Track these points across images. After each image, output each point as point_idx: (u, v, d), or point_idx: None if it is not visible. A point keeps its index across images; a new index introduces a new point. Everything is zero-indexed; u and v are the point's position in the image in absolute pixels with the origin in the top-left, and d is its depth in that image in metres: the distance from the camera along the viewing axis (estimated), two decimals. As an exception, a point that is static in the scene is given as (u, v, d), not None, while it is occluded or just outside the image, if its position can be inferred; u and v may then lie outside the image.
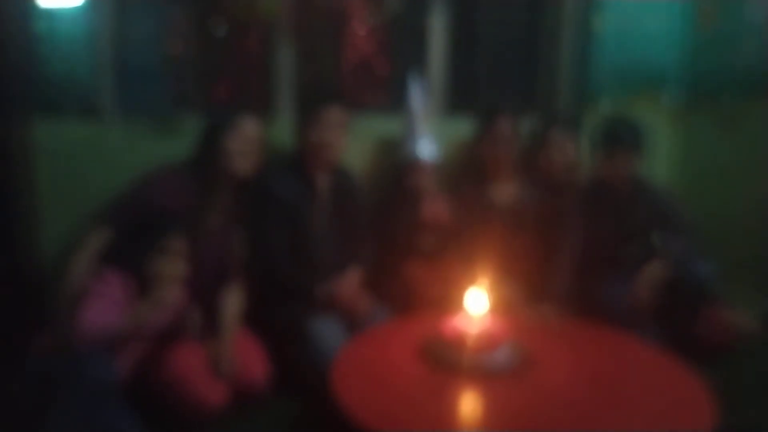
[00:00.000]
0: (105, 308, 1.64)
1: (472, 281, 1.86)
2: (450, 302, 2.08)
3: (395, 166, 2.43)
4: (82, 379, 1.50)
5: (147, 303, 1.71)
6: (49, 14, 2.36)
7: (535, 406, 1.47)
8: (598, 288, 2.25)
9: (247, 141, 1.99)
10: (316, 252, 2.18)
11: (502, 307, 2.04)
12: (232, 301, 2.03)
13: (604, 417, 1.43)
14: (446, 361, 1.62)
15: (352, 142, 2.28)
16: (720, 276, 2.11)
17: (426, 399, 1.50)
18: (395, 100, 2.60)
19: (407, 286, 2.23)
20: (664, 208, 2.26)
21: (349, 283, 2.13)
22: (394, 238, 2.35)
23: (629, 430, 1.38)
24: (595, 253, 2.29)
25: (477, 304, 1.75)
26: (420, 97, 2.44)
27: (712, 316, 2.18)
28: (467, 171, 2.56)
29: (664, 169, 2.97)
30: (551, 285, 2.23)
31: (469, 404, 1.55)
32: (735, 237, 2.65)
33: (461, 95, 2.86)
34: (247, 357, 1.93)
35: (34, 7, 2.29)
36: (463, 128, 2.61)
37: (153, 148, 2.22)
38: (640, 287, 2.12)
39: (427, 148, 2.37)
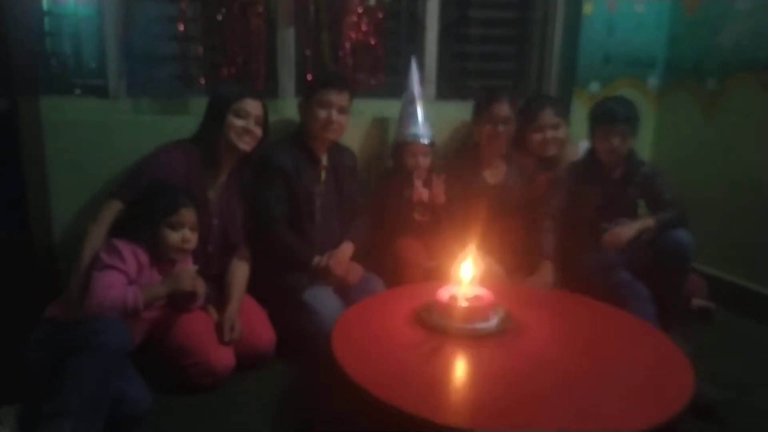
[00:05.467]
0: (118, 280, 1.70)
1: (461, 255, 1.98)
2: (440, 275, 2.21)
3: (391, 146, 2.53)
4: (94, 347, 1.53)
5: (164, 285, 1.79)
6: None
7: (520, 368, 1.58)
8: (586, 258, 2.34)
9: (250, 117, 2.08)
10: (314, 224, 2.28)
11: (489, 278, 2.17)
12: (238, 271, 2.14)
13: (585, 380, 1.52)
14: (439, 326, 1.73)
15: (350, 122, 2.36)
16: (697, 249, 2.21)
17: (420, 360, 1.61)
18: (390, 83, 2.68)
19: (399, 259, 2.33)
20: (654, 183, 2.32)
21: (341, 257, 2.23)
22: (388, 214, 2.46)
23: (609, 394, 1.46)
24: (584, 227, 2.38)
25: (467, 275, 1.87)
26: (418, 80, 2.52)
27: (689, 283, 2.33)
28: (459, 152, 2.66)
29: (648, 149, 3.09)
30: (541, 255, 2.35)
31: (459, 364, 1.65)
32: (712, 215, 2.77)
33: (453, 79, 2.95)
34: (253, 324, 2.05)
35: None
36: (454, 111, 2.71)
37: (159, 126, 2.29)
38: (619, 227, 2.19)
39: (422, 129, 2.45)
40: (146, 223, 1.80)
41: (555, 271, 2.33)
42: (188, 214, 1.84)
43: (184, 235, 1.83)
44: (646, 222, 2.21)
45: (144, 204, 1.85)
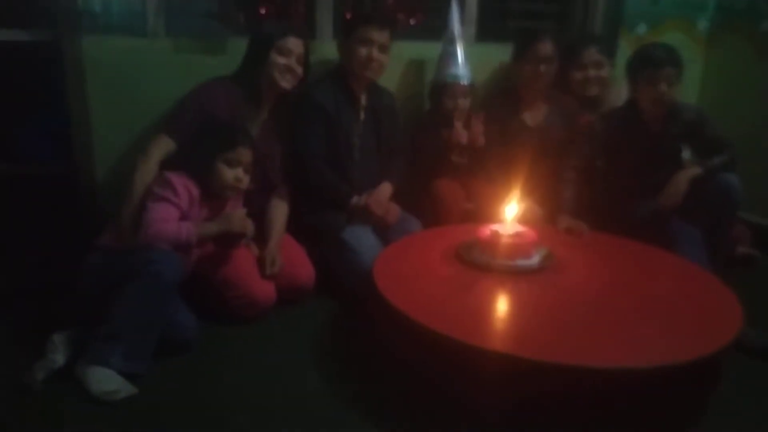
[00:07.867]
0: (172, 213, 1.72)
1: (499, 197, 1.95)
2: (477, 217, 2.20)
3: (430, 87, 2.48)
4: (148, 275, 1.58)
5: (216, 224, 1.81)
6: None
7: (563, 302, 1.58)
8: (635, 206, 2.28)
9: (292, 55, 2.06)
10: (353, 163, 2.28)
11: (530, 220, 2.15)
12: (278, 209, 2.16)
13: (629, 314, 1.51)
14: (480, 262, 1.73)
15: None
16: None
17: (461, 292, 1.62)
18: (428, 24, 2.62)
19: (437, 201, 2.32)
20: (701, 131, 2.24)
21: (380, 197, 2.22)
22: (426, 155, 2.44)
23: (654, 327, 1.45)
24: (630, 176, 2.32)
25: (508, 215, 1.85)
26: (458, 20, 2.46)
27: (734, 231, 2.28)
28: (500, 94, 2.60)
29: (695, 94, 2.98)
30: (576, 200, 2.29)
31: (500, 297, 1.66)
32: (763, 161, 2.68)
33: (494, 20, 2.86)
34: (292, 260, 2.08)
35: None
36: (494, 54, 2.63)
37: (196, 65, 2.27)
38: (673, 186, 2.15)
39: (462, 70, 2.41)
40: (202, 156, 1.80)
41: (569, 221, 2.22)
42: (245, 154, 1.84)
43: (237, 174, 1.82)
44: (694, 171, 2.15)
45: (202, 137, 1.85)
